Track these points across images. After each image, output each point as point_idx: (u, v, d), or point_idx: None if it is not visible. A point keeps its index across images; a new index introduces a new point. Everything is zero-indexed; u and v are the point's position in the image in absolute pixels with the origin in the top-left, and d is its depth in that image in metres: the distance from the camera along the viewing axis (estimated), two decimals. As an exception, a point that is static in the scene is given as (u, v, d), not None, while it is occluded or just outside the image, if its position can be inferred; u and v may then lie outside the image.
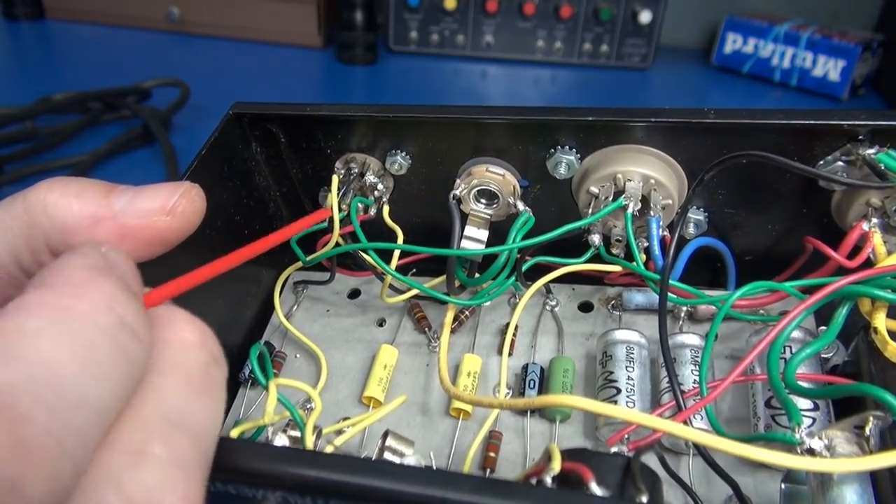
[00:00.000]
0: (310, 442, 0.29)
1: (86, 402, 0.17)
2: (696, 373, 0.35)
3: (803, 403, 0.32)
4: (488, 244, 0.38)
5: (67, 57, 1.05)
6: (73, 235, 0.23)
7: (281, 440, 0.29)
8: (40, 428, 0.16)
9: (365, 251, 0.39)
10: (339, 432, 0.35)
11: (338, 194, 0.39)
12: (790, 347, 0.34)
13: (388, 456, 0.29)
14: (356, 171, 0.40)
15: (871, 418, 0.25)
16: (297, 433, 0.30)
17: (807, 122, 0.33)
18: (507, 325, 0.40)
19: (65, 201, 0.23)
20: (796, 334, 0.34)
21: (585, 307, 0.43)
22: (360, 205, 0.40)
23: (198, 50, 1.07)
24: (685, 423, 0.30)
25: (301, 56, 1.06)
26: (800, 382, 0.29)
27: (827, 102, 0.97)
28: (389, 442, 0.30)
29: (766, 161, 0.33)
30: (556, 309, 0.42)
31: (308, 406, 0.38)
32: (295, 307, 0.44)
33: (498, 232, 0.39)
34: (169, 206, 0.24)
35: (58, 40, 1.10)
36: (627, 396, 0.35)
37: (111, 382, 0.18)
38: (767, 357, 0.29)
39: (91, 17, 1.12)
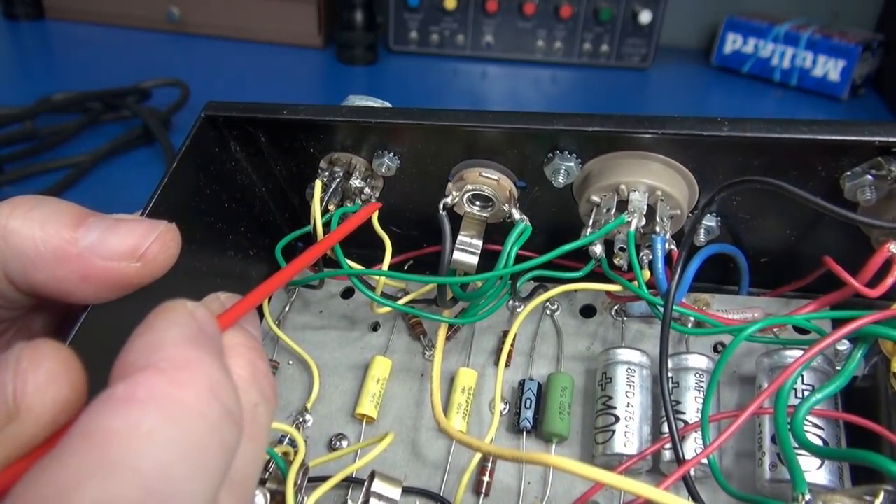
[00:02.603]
0: (291, 486, 0.29)
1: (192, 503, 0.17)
2: (700, 400, 0.34)
3: (813, 438, 0.30)
4: (486, 240, 0.37)
5: (67, 57, 1.05)
6: (33, 269, 0.22)
7: (261, 496, 0.28)
8: None
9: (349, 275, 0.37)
10: (332, 454, 0.34)
11: (323, 198, 0.37)
12: (802, 377, 0.33)
13: (373, 502, 0.29)
14: (341, 171, 0.38)
15: (883, 492, 0.24)
16: (279, 474, 0.30)
17: (832, 137, 0.30)
18: (505, 332, 0.39)
19: (28, 230, 0.22)
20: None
21: (587, 311, 0.41)
22: (346, 213, 0.38)
23: (198, 50, 1.07)
24: (685, 478, 0.29)
25: (301, 56, 1.06)
26: (810, 421, 0.28)
27: (827, 102, 0.97)
28: (375, 487, 0.29)
29: (781, 191, 0.30)
30: (557, 314, 0.41)
31: (300, 419, 0.38)
32: (287, 308, 0.43)
33: (497, 228, 0.37)
34: (140, 251, 0.22)
35: (58, 40, 1.10)
36: (626, 425, 0.34)
37: (214, 477, 0.18)
38: (775, 406, 0.28)
39: (91, 17, 1.12)
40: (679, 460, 0.31)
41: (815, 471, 0.30)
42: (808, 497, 0.26)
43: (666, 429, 0.33)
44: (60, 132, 0.78)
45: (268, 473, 0.31)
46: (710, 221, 0.37)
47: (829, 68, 0.96)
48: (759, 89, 1.01)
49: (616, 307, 0.40)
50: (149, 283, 0.23)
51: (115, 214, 0.24)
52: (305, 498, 0.32)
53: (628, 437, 0.34)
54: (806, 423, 0.31)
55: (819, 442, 0.31)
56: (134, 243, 0.22)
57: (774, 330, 0.36)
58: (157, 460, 0.16)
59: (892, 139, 0.30)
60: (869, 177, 0.31)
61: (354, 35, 1.01)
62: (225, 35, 1.09)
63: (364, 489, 0.29)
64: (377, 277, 0.38)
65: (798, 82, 1.00)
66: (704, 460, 0.31)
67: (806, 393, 0.32)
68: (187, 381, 0.18)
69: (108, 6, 1.11)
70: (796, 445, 0.28)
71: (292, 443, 0.36)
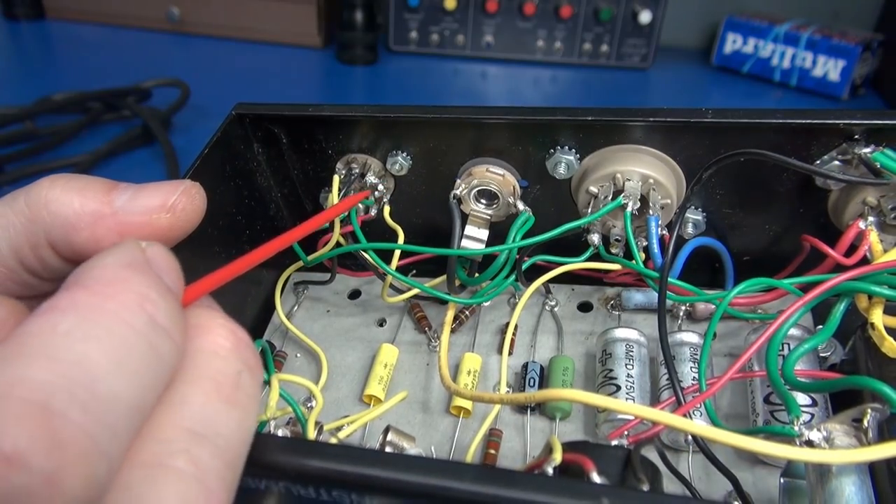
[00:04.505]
0: (312, 436, 0.29)
1: (118, 400, 0.17)
2: (696, 370, 0.35)
3: (802, 399, 0.32)
4: (488, 244, 0.39)
5: (67, 57, 1.05)
6: (74, 232, 0.23)
7: (283, 434, 0.29)
8: (75, 425, 0.16)
9: (365, 251, 0.39)
10: (340, 428, 0.35)
11: (339, 194, 0.39)
12: (788, 345, 0.34)
13: (389, 451, 0.30)
14: (357, 171, 0.41)
15: (869, 411, 0.25)
16: (298, 429, 0.30)
17: (804, 121, 0.34)
18: (507, 324, 0.40)
19: (66, 198, 0.23)
20: (794, 332, 0.35)
21: (585, 307, 0.43)
22: (360, 205, 0.40)
23: (198, 50, 1.07)
24: (685, 417, 0.30)
25: (301, 56, 1.06)
26: (798, 378, 0.29)
27: (827, 102, 0.97)
28: (391, 437, 0.30)
29: (764, 159, 0.33)
30: (556, 309, 0.43)
31: (309, 404, 0.38)
32: (295, 307, 0.45)
33: (498, 233, 0.39)
34: (169, 204, 0.24)
35: (58, 40, 1.09)
36: (627, 393, 0.35)
37: (143, 381, 0.18)
38: (766, 352, 0.30)
39: (91, 17, 1.12)
40: (680, 402, 0.32)
41: None
42: (803, 418, 0.27)
43: (664, 397, 0.34)
44: (60, 132, 0.77)
45: (289, 419, 0.31)
46: (696, 216, 0.39)
47: (829, 68, 0.97)
48: (759, 89, 1.01)
49: (612, 302, 0.42)
50: (180, 236, 0.24)
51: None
52: None
53: (630, 403, 0.35)
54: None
55: (808, 400, 0.32)
56: (163, 197, 0.24)
57: (760, 309, 0.38)
58: (74, 351, 0.17)
59: (854, 122, 0.33)
60: (837, 162, 0.35)
61: (354, 35, 1.01)
62: (225, 35, 1.10)
63: (379, 442, 0.30)
64: (387, 277, 0.40)
65: (798, 82, 1.00)
66: (703, 414, 0.33)
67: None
68: (112, 294, 0.18)
69: (108, 6, 1.11)
70: (788, 387, 0.29)
71: (309, 403, 0.38)
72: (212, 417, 0.19)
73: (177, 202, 0.24)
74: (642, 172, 0.37)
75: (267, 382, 0.35)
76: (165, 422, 0.19)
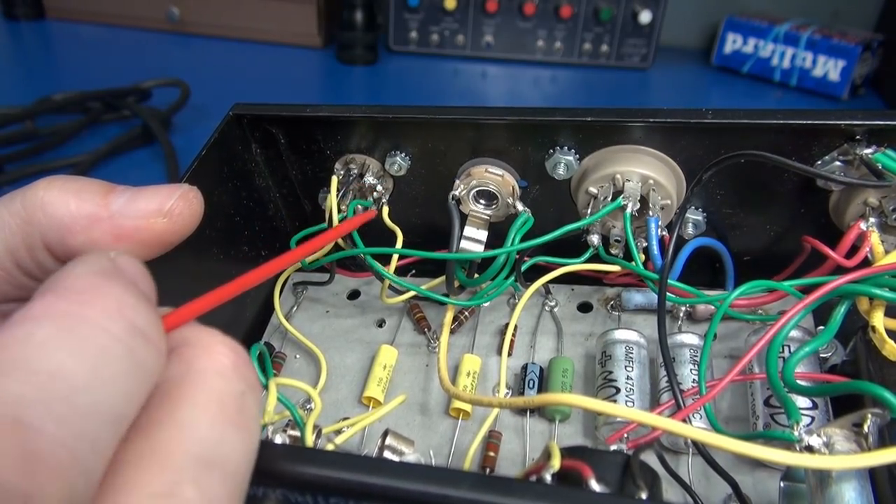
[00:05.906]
0: (310, 441, 0.29)
1: (98, 411, 0.16)
2: (696, 372, 0.35)
3: (802, 402, 0.32)
4: (487, 244, 0.38)
5: (67, 57, 1.05)
6: (70, 234, 0.23)
7: (280, 439, 0.29)
8: (51, 439, 0.15)
9: (363, 255, 0.39)
10: (339, 432, 0.35)
11: (337, 195, 0.39)
12: (789, 347, 0.34)
13: (387, 455, 0.29)
14: (355, 172, 0.40)
15: (870, 416, 0.25)
16: (296, 433, 0.30)
17: (804, 121, 0.34)
18: (507, 325, 0.40)
19: (62, 200, 0.23)
20: (795, 334, 0.34)
21: (584, 307, 0.43)
22: (359, 206, 0.40)
23: (198, 50, 1.07)
24: (684, 421, 0.30)
25: (301, 56, 1.06)
26: (798, 381, 0.29)
27: (827, 102, 0.97)
28: (389, 441, 0.30)
29: (764, 160, 0.33)
30: (556, 309, 0.43)
31: (307, 406, 0.38)
32: (294, 308, 0.44)
33: (497, 233, 0.39)
34: (166, 209, 0.23)
35: (58, 40, 1.09)
36: (627, 396, 0.35)
37: (124, 389, 0.17)
38: (766, 355, 0.29)
39: (91, 17, 1.12)
40: (679, 406, 0.32)
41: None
42: (804, 422, 0.27)
43: (664, 399, 0.34)
44: (60, 132, 0.77)
45: (287, 422, 0.31)
46: (696, 216, 0.39)
47: (829, 68, 0.96)
48: (759, 89, 1.01)
49: (612, 302, 0.42)
50: (177, 240, 0.24)
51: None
52: None
53: (629, 405, 0.35)
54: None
55: (808, 403, 0.32)
56: (160, 202, 0.23)
57: (760, 310, 0.38)
58: (51, 362, 0.16)
59: (855, 123, 0.33)
60: (838, 163, 0.34)
61: (354, 35, 1.01)
62: (225, 35, 1.09)
63: (378, 446, 0.29)
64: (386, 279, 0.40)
65: (798, 82, 1.00)
66: (702, 417, 0.33)
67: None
68: (89, 301, 0.18)
69: (108, 6, 1.10)
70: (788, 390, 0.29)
71: (308, 405, 0.38)
72: (219, 442, 0.19)
73: (174, 207, 0.24)
74: (642, 173, 0.37)
75: (265, 387, 0.34)
76: (174, 448, 0.18)
